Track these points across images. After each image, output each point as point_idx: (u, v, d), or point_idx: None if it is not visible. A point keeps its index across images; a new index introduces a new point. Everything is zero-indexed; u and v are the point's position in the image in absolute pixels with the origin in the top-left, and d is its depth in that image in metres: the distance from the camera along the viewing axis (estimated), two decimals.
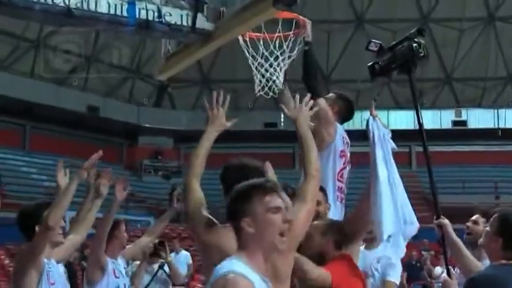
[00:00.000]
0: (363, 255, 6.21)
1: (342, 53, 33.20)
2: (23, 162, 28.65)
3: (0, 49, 28.88)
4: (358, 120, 31.95)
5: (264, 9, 4.10)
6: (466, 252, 4.55)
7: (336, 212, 5.25)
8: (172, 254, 16.00)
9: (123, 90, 33.08)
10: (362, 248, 6.24)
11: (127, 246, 6.40)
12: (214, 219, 3.51)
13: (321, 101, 5.21)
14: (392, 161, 5.02)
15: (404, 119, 31.75)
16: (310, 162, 3.63)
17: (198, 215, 3.53)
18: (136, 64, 32.30)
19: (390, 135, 5.12)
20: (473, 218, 5.40)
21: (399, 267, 5.85)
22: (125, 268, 6.13)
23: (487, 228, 3.90)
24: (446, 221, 4.59)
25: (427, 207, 27.69)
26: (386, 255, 5.86)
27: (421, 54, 4.71)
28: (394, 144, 5.12)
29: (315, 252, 4.29)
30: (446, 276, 4.57)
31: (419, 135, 4.90)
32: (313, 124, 5.20)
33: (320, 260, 4.27)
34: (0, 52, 28.92)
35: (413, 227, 4.95)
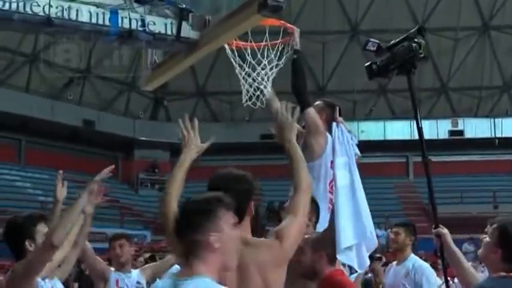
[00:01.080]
0: (394, 271, 6.15)
1: (337, 63, 33.23)
2: (18, 177, 28.52)
3: None
4: (355, 131, 31.85)
5: (249, 16, 4.01)
6: (466, 263, 4.39)
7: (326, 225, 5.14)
8: None
9: (119, 103, 33.04)
10: (394, 263, 6.19)
11: (149, 264, 6.43)
12: None
13: (311, 110, 5.11)
14: (356, 168, 4.91)
15: (400, 130, 31.74)
16: (300, 177, 3.53)
17: None
18: (132, 77, 32.25)
19: (356, 141, 5.02)
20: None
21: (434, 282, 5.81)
22: (139, 284, 6.02)
23: (486, 239, 3.78)
24: (445, 230, 4.44)
25: (425, 218, 27.65)
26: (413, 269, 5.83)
27: (421, 55, 4.58)
28: (358, 151, 5.01)
29: (308, 269, 4.14)
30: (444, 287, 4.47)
31: (418, 139, 4.78)
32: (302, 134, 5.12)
33: (314, 276, 4.13)
34: None
35: (374, 240, 4.87)
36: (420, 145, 4.79)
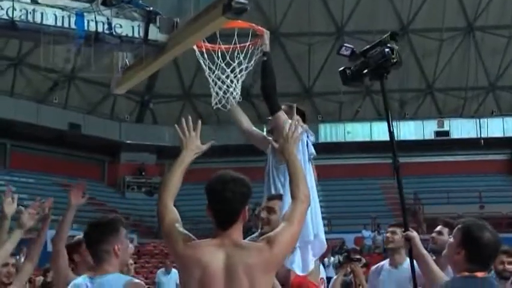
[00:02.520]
0: (390, 274, 5.99)
1: (323, 65, 33.22)
2: (3, 181, 28.32)
3: None
4: (341, 133, 31.74)
5: (214, 18, 4.00)
6: (434, 265, 4.44)
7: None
8: (160, 272, 15.81)
9: (105, 106, 32.92)
10: (385, 264, 6.05)
11: None
12: (191, 235, 3.45)
13: (282, 114, 5.10)
14: (310, 168, 4.91)
15: (387, 131, 31.71)
16: (299, 189, 3.57)
17: (175, 232, 3.45)
18: None
19: (312, 138, 5.02)
20: (438, 228, 5.40)
21: None
22: None
23: (450, 239, 3.79)
24: (414, 234, 4.50)
25: (412, 218, 27.72)
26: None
27: (394, 60, 4.60)
28: (313, 150, 5.01)
29: (282, 276, 4.18)
30: None
31: (390, 141, 4.80)
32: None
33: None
34: None
35: (322, 245, 4.86)
36: (391, 148, 4.82)
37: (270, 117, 5.17)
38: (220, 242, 3.35)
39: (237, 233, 3.41)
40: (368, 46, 4.70)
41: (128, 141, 33.02)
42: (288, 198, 5.00)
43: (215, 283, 3.27)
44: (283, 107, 5.17)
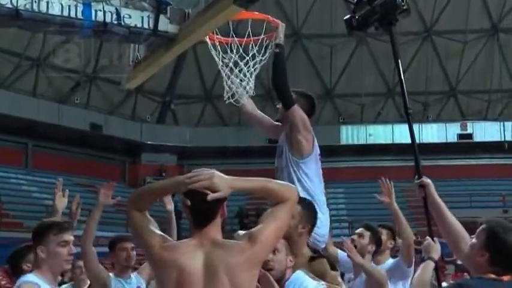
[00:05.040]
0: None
1: (345, 66, 33.01)
2: (25, 181, 28.47)
3: (2, 68, 28.80)
4: (362, 135, 31.59)
5: (225, 7, 3.85)
6: (451, 216, 4.04)
7: (326, 221, 5.02)
8: None
9: (126, 107, 32.97)
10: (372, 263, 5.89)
11: (145, 264, 5.87)
12: (167, 236, 3.28)
13: (297, 108, 4.95)
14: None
15: (409, 134, 31.41)
16: (278, 195, 3.28)
17: (148, 235, 3.26)
18: None
19: None
20: (359, 230, 5.51)
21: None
22: (139, 287, 5.69)
23: (473, 240, 3.58)
24: (428, 181, 4.14)
25: (433, 222, 27.38)
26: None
27: (404, 7, 4.42)
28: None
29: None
30: (429, 239, 4.17)
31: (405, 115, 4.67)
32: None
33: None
34: (2, 71, 28.82)
35: None
36: (403, 101, 4.70)
37: (278, 105, 5.00)
38: (198, 242, 3.17)
39: (215, 230, 3.21)
40: None
41: (149, 142, 33.03)
42: (320, 197, 4.93)
43: (193, 284, 3.09)
44: (293, 95, 5.01)
